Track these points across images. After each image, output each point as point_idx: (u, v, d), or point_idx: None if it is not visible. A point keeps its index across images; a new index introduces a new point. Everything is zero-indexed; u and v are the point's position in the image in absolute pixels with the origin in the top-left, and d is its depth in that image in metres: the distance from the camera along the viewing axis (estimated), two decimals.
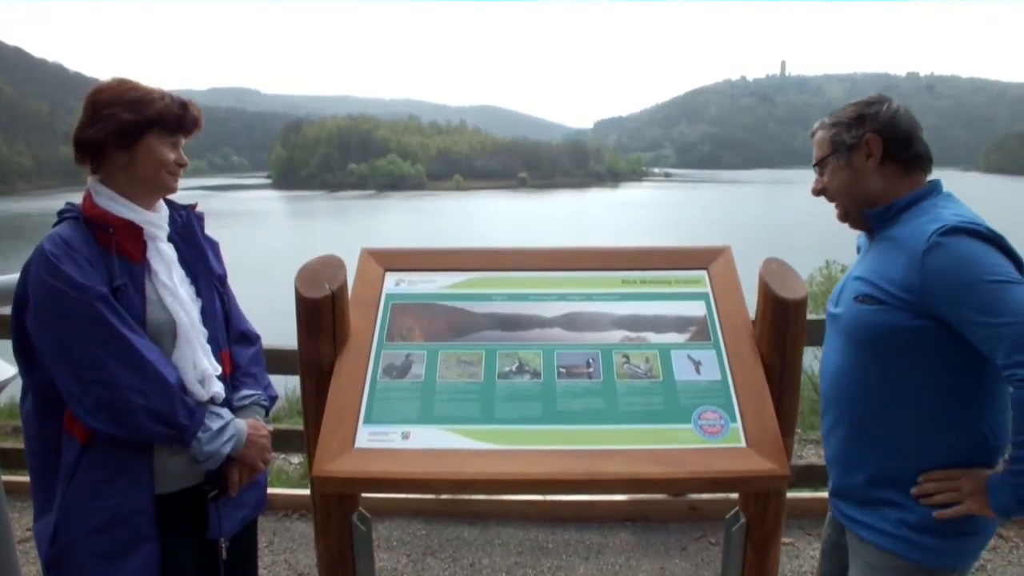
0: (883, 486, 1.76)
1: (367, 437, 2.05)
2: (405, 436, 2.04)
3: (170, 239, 1.77)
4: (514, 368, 2.18)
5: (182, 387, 1.65)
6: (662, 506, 3.91)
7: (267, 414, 1.93)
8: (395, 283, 2.44)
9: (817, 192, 1.92)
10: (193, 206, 1.90)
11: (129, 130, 1.65)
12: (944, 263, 1.52)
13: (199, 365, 1.69)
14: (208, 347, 1.75)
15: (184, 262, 1.78)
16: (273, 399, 1.96)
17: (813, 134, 1.95)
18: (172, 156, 1.74)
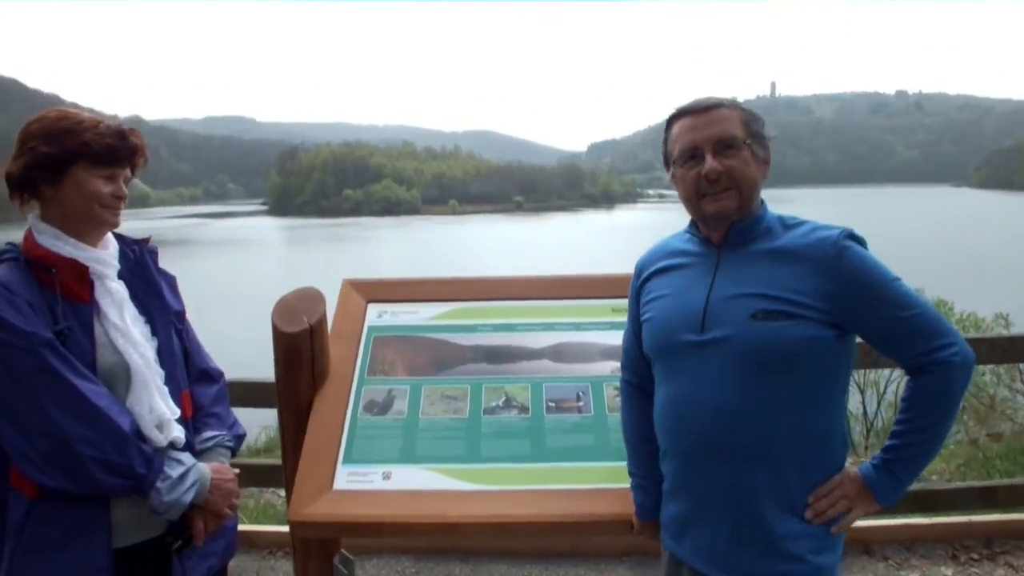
0: (788, 518, 1.50)
1: (346, 478, 1.95)
2: (386, 476, 1.95)
3: (121, 276, 1.68)
4: (501, 403, 2.09)
5: (138, 434, 1.55)
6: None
7: (234, 454, 1.83)
8: (378, 315, 2.36)
9: (715, 173, 1.55)
10: (146, 240, 1.80)
11: (51, 163, 1.56)
12: (856, 267, 1.47)
13: (156, 409, 1.59)
14: (166, 389, 1.65)
15: (137, 300, 1.69)
16: (240, 438, 1.87)
17: (708, 108, 1.62)
18: (107, 189, 1.61)
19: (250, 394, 3.02)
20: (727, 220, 1.58)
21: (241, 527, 3.33)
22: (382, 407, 2.10)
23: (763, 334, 1.47)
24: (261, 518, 4.32)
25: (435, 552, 3.80)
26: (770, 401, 1.48)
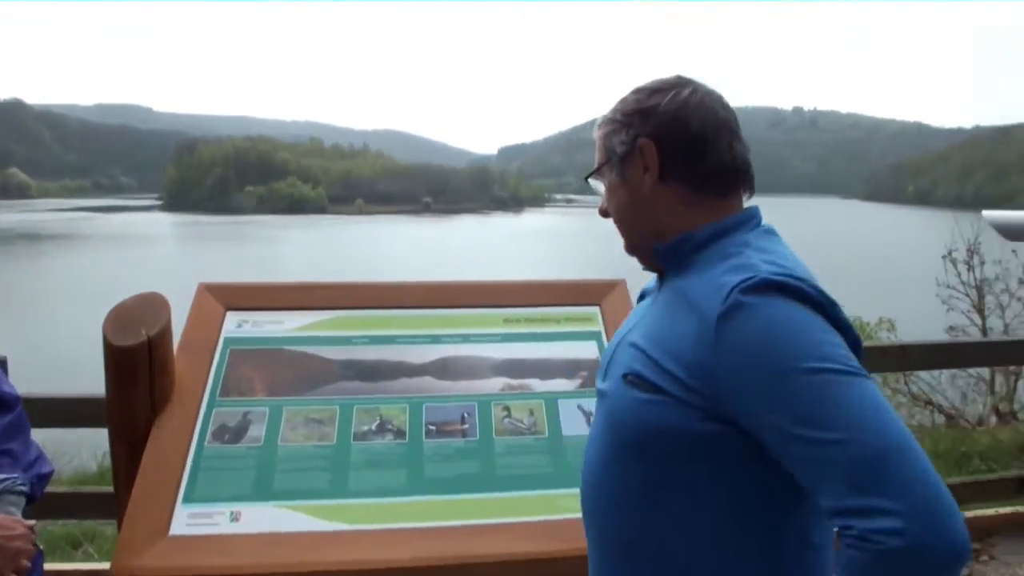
0: None
1: (186, 520, 1.65)
2: (235, 517, 1.65)
3: None
4: (374, 427, 1.83)
5: None
6: None
7: (32, 500, 1.50)
8: (237, 324, 2.05)
9: (602, 213, 1.30)
10: None
11: None
12: (742, 339, 0.97)
13: None
14: None
15: None
16: (44, 477, 1.54)
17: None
18: None
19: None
20: (636, 256, 1.27)
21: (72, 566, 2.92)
22: (235, 433, 1.80)
23: (628, 405, 1.11)
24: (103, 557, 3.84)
25: None
26: (640, 488, 1.12)
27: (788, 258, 1.10)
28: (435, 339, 2.06)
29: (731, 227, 1.15)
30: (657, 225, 1.19)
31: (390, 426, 1.84)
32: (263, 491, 1.69)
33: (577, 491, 1.74)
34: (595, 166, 1.27)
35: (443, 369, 1.98)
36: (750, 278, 1.00)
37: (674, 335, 1.07)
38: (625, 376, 1.13)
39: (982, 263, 6.89)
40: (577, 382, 1.99)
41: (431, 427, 1.84)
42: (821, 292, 1.02)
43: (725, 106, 1.20)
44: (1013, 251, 6.49)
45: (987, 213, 2.33)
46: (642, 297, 1.38)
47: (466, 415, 1.88)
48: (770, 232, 1.17)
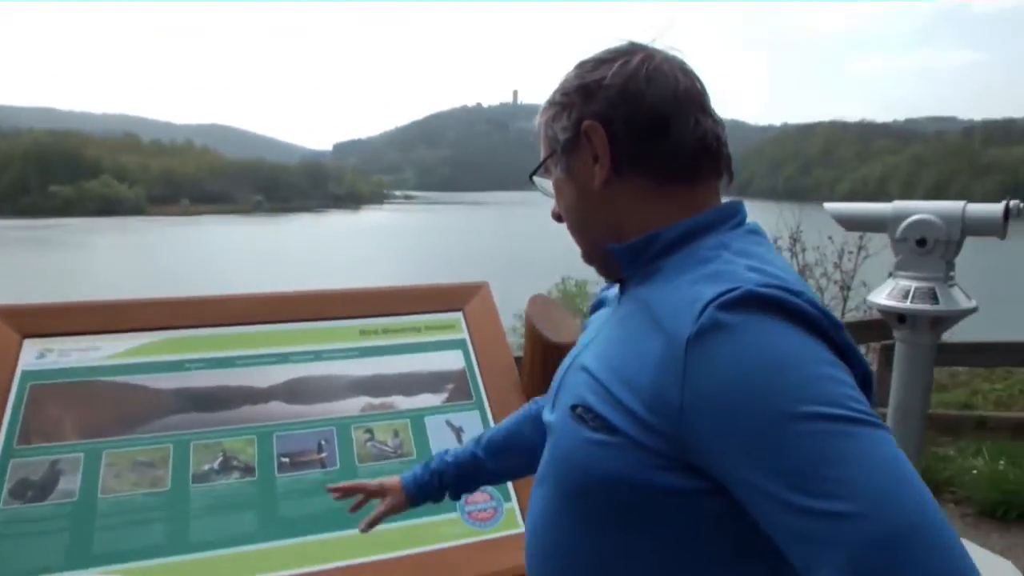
0: None
1: None
2: None
3: None
4: (216, 465, 1.60)
5: None
6: None
7: None
8: (38, 355, 1.73)
9: (555, 217, 1.08)
10: None
11: None
12: (724, 366, 0.75)
13: None
14: None
15: None
16: None
17: None
18: None
19: None
20: (593, 265, 1.05)
21: None
22: (40, 488, 1.50)
23: (569, 440, 0.91)
24: None
25: None
26: (588, 548, 0.91)
27: (778, 265, 0.87)
28: (282, 358, 1.84)
29: (707, 225, 0.93)
30: (617, 226, 0.96)
31: (236, 462, 1.61)
32: (80, 557, 1.42)
33: (448, 516, 1.63)
34: (539, 161, 1.05)
35: (294, 392, 1.77)
36: (730, 290, 0.78)
37: (632, 359, 0.85)
38: (573, 408, 0.91)
39: (803, 250, 7.49)
40: (443, 396, 1.85)
41: (284, 459, 1.63)
42: (822, 310, 0.80)
43: (687, 72, 0.96)
44: (829, 237, 7.09)
45: (828, 205, 2.44)
46: (598, 307, 1.16)
47: (323, 442, 1.69)
48: (755, 232, 0.96)
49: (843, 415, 0.70)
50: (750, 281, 0.79)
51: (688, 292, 0.81)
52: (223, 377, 1.76)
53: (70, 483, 1.52)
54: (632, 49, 0.96)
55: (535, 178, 1.06)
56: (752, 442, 0.72)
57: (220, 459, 1.61)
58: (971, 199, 2.24)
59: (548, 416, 1.02)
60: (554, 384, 1.05)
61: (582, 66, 0.97)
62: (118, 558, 1.43)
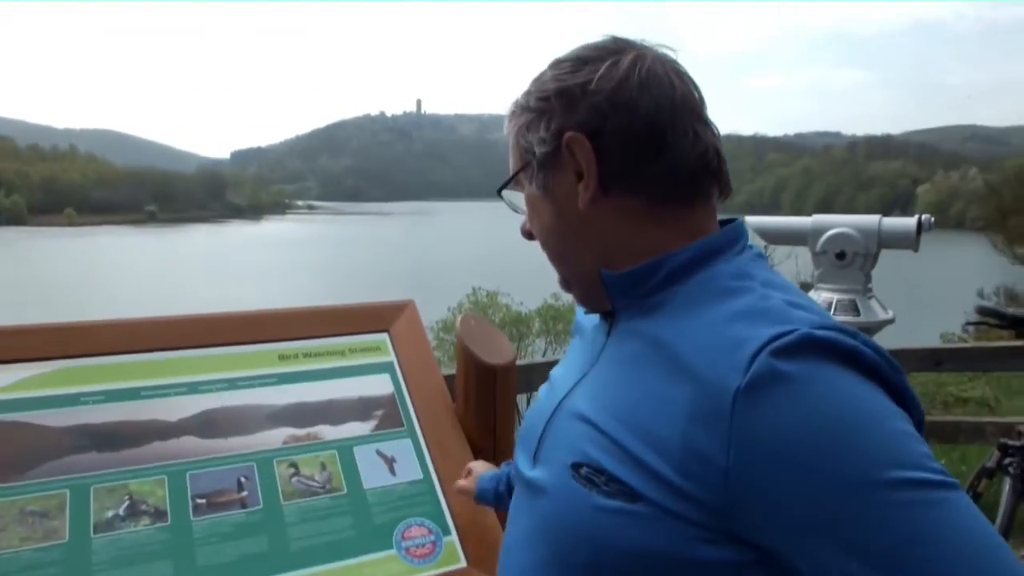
0: None
1: None
2: None
3: None
4: (122, 511, 1.44)
5: None
6: None
7: None
8: None
9: (526, 234, 0.96)
10: None
11: None
12: (787, 424, 0.64)
13: None
14: None
15: None
16: None
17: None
18: None
19: None
20: (575, 294, 0.93)
21: None
22: None
23: (571, 506, 0.77)
24: None
25: None
26: None
27: (805, 296, 0.77)
28: (193, 388, 1.69)
29: (717, 249, 0.82)
30: (603, 251, 0.84)
31: (144, 506, 1.45)
32: None
33: (385, 553, 1.52)
34: (510, 173, 0.92)
35: (207, 425, 1.62)
36: (784, 333, 0.66)
37: (648, 409, 0.72)
38: (576, 467, 0.77)
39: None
40: (372, 423, 1.74)
41: (199, 501, 1.49)
42: (880, 352, 0.70)
43: (683, 75, 0.84)
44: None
45: (750, 219, 2.48)
46: (575, 331, 1.03)
47: (243, 479, 1.55)
48: (763, 256, 0.85)
49: (927, 480, 0.62)
50: (802, 322, 0.69)
51: (724, 333, 0.70)
52: (126, 411, 1.59)
53: None
54: (618, 47, 0.83)
55: (504, 192, 0.95)
56: (828, 514, 0.62)
57: (126, 503, 1.44)
58: (856, 211, 2.34)
59: (527, 470, 0.89)
60: (531, 431, 0.92)
61: (559, 66, 0.85)
62: None
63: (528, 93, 0.88)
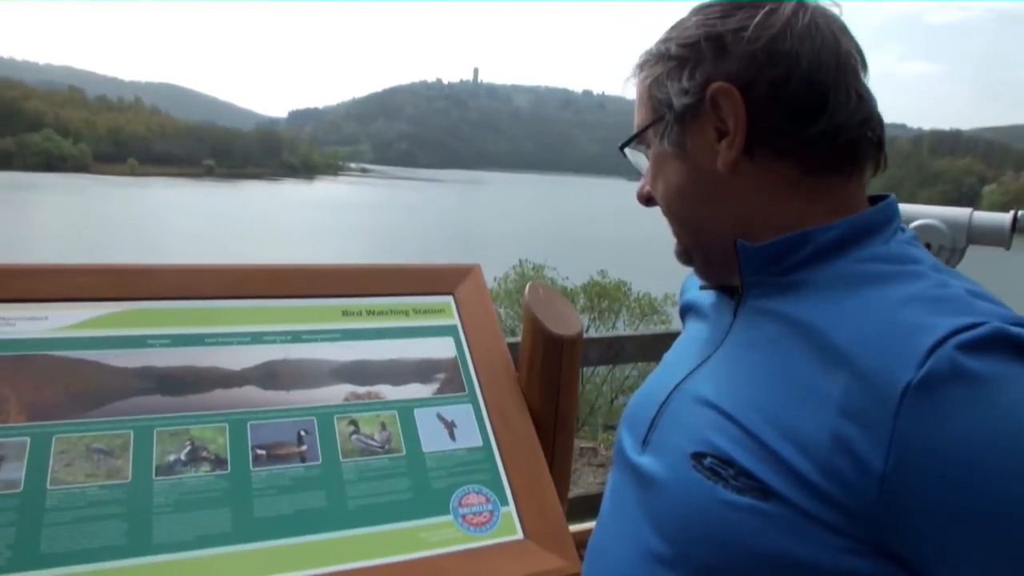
0: None
1: None
2: None
3: None
4: (183, 455, 1.43)
5: None
6: None
7: None
8: None
9: (643, 199, 0.89)
10: None
11: None
12: (973, 430, 0.55)
13: None
14: None
15: None
16: None
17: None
18: None
19: None
20: (694, 265, 0.85)
21: None
22: None
23: (692, 499, 0.69)
24: None
25: None
26: None
27: (984, 289, 0.68)
28: (257, 338, 1.67)
29: (869, 228, 0.73)
30: (738, 220, 0.75)
31: (205, 453, 1.44)
32: (26, 557, 1.24)
33: (442, 518, 1.49)
34: (635, 129, 0.85)
35: (270, 376, 1.60)
36: (975, 325, 0.57)
37: (790, 398, 0.64)
38: (698, 457, 0.69)
39: None
40: (434, 386, 1.70)
41: (259, 452, 1.47)
42: None
43: (845, 31, 0.74)
44: None
45: None
46: (686, 310, 0.94)
47: (303, 433, 1.53)
48: (917, 240, 0.77)
49: None
50: (991, 314, 0.59)
51: (893, 320, 0.61)
52: (190, 356, 1.58)
53: (14, 471, 1.33)
54: None
55: (627, 150, 0.87)
56: (1005, 551, 0.54)
57: (188, 449, 1.44)
58: None
59: (636, 456, 0.81)
60: (641, 413, 0.84)
61: (705, 10, 0.76)
62: (70, 559, 1.25)
63: (666, 39, 0.78)
